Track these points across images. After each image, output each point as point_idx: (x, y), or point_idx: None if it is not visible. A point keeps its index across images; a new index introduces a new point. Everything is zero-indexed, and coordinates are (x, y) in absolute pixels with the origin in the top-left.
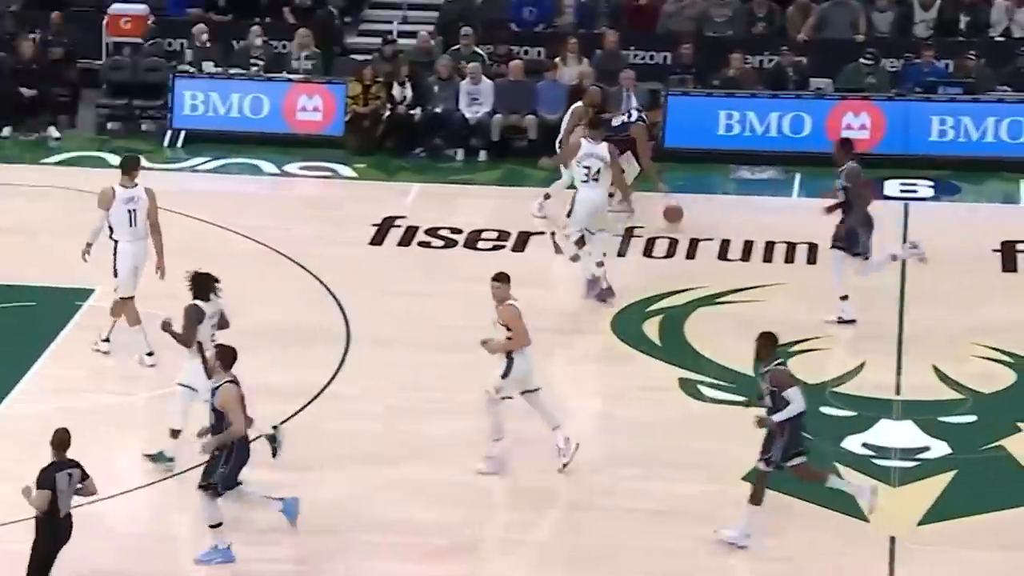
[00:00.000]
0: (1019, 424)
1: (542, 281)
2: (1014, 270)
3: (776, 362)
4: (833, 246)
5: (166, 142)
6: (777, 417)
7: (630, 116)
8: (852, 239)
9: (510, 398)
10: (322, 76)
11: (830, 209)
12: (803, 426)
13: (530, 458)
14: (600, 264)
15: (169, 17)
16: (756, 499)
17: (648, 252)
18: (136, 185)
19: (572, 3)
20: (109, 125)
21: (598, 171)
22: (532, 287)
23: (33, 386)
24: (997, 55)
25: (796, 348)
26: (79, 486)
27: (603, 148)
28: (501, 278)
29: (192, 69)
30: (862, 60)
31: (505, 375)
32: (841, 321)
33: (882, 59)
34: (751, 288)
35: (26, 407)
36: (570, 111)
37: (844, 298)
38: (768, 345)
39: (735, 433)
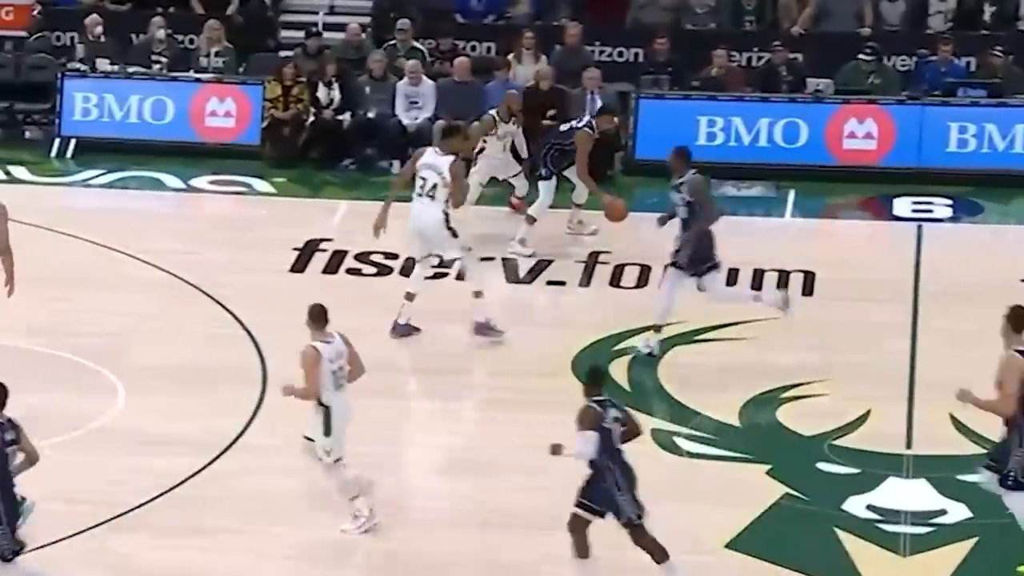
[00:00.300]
0: None
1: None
2: None
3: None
4: (672, 264)
5: (53, 152)
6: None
7: (579, 121)
8: (693, 258)
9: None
10: (235, 76)
11: (663, 221)
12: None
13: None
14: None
15: (58, 7)
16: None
17: (615, 281)
18: None
19: None
20: None
21: (433, 187)
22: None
23: None
24: None
25: (790, 394)
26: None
27: (445, 162)
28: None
29: (84, 67)
30: (861, 57)
31: (327, 432)
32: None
33: (891, 56)
34: (736, 324)
35: None
36: (482, 119)
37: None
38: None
39: (717, 493)
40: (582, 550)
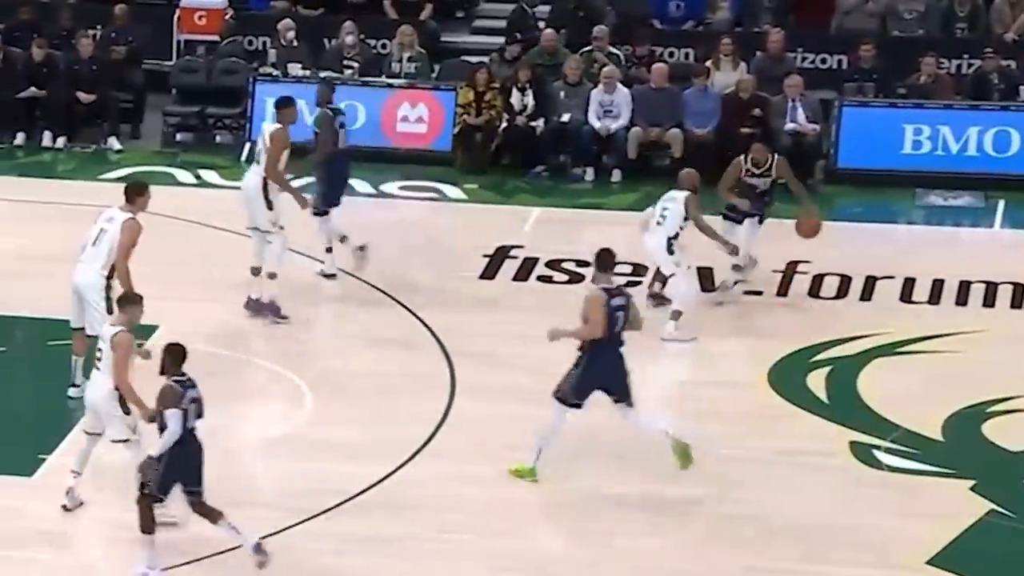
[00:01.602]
0: None
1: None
2: None
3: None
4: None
5: (243, 156)
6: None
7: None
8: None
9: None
10: (428, 81)
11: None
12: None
13: None
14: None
15: (250, 12)
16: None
17: (814, 291)
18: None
19: None
20: (178, 136)
21: (259, 152)
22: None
23: None
24: None
25: (996, 408)
26: None
27: (268, 127)
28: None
29: (276, 72)
30: None
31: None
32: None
33: None
34: (941, 336)
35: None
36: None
37: (328, 250)
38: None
39: (919, 508)
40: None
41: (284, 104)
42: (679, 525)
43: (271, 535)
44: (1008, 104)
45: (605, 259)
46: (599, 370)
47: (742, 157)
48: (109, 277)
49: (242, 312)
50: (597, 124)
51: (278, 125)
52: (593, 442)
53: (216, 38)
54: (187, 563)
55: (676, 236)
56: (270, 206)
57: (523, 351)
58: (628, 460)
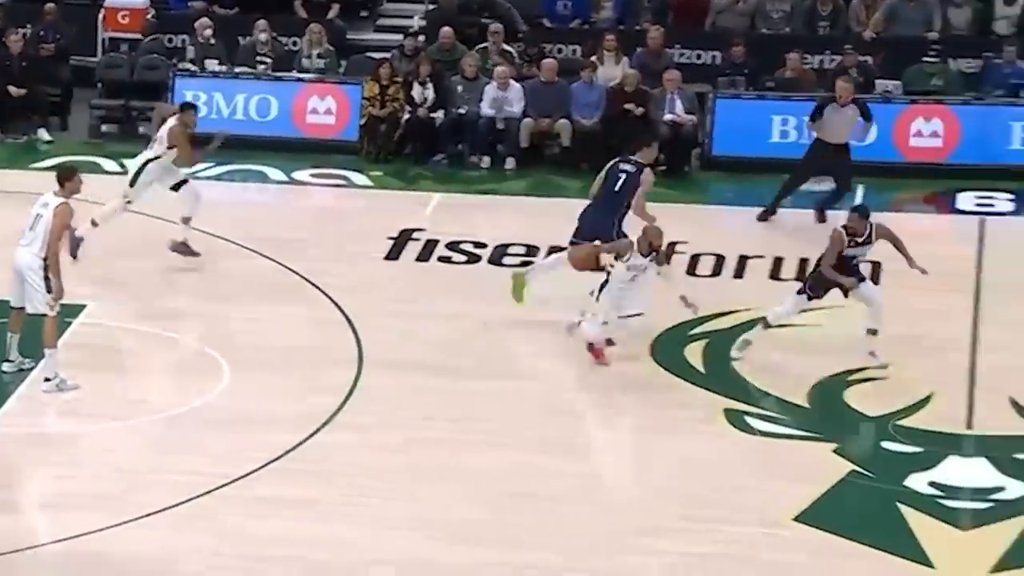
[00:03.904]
0: None
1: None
2: None
3: None
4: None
5: None
6: None
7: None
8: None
9: None
10: (335, 76)
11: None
12: None
13: None
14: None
15: (170, 11)
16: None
17: (692, 270)
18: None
19: None
20: (104, 127)
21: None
22: (562, 309)
23: (20, 407)
24: None
25: (856, 377)
26: None
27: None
28: None
29: (194, 68)
30: (925, 59)
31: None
32: None
33: (957, 58)
34: (808, 310)
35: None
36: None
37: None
38: None
39: (787, 470)
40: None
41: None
42: (577, 489)
43: (191, 499)
44: (865, 97)
45: None
46: None
47: (843, 229)
48: (46, 259)
49: (165, 292)
50: (492, 115)
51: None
52: (507, 412)
53: (138, 36)
54: None
55: None
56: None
57: (426, 327)
58: (534, 428)
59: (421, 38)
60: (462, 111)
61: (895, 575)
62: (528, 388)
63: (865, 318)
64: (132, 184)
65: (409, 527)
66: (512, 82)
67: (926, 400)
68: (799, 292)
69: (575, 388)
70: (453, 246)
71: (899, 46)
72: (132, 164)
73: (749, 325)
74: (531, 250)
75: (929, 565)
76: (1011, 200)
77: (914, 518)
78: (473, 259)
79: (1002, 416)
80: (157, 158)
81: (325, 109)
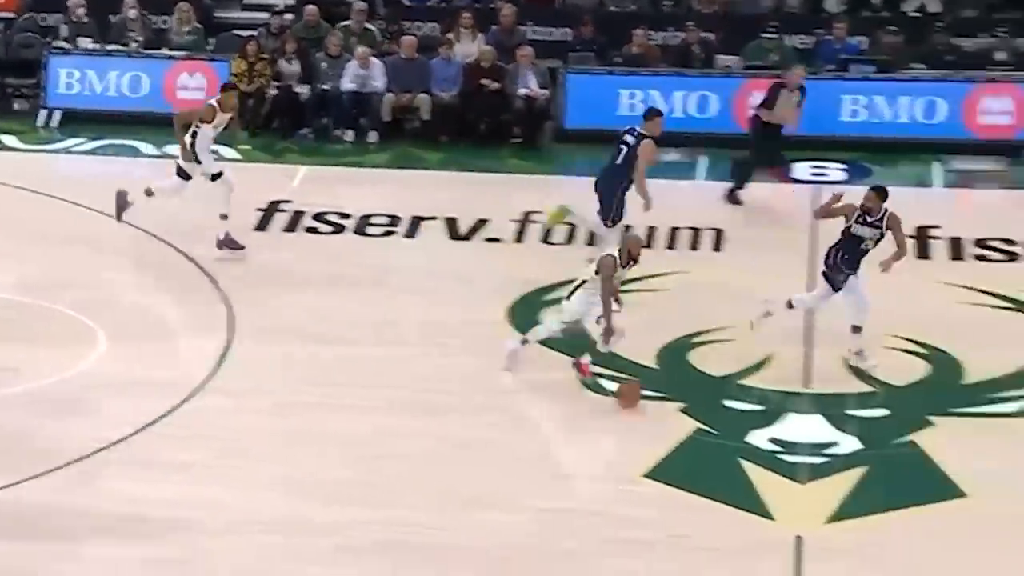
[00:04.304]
0: (930, 418)
1: (432, 272)
2: (927, 257)
3: None
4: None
5: (40, 122)
6: None
7: None
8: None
9: None
10: (204, 53)
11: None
12: None
13: None
14: None
15: None
16: None
17: (546, 238)
18: None
19: None
20: None
21: None
22: (424, 277)
23: None
24: (912, 32)
25: (702, 339)
26: None
27: None
28: None
29: (67, 45)
30: (763, 36)
31: None
32: None
33: (791, 35)
34: (654, 276)
35: None
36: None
37: None
38: None
39: (637, 428)
40: None
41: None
42: (442, 450)
43: (70, 463)
44: (708, 71)
45: None
46: None
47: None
48: None
49: (41, 263)
50: (355, 90)
51: None
52: (375, 377)
53: (12, 15)
54: None
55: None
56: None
57: (294, 296)
58: (402, 392)
59: (287, 16)
60: (326, 87)
61: (739, 527)
62: (396, 354)
63: (849, 314)
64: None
65: (282, 488)
66: (373, 59)
67: (766, 361)
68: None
69: (442, 354)
70: (319, 217)
71: (738, 23)
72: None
73: None
74: (394, 220)
75: (770, 517)
76: (842, 170)
77: (755, 473)
78: (339, 229)
79: (836, 375)
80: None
81: (195, 85)
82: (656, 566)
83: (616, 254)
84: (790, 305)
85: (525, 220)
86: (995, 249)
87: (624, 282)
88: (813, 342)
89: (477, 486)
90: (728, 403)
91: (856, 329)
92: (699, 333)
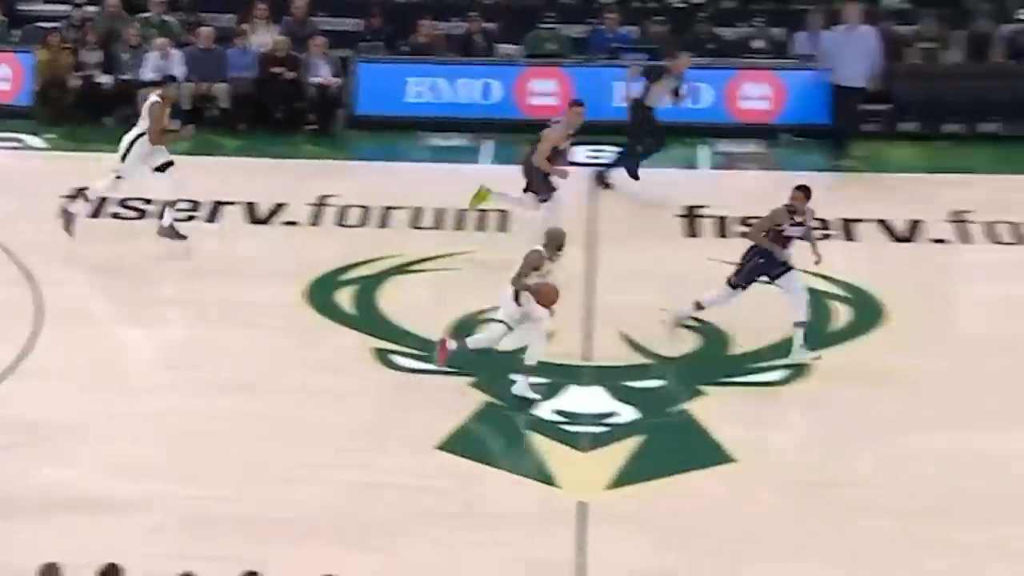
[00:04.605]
0: (701, 388)
1: (233, 255)
2: (695, 235)
3: None
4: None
5: None
6: None
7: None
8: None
9: None
10: (9, 44)
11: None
12: None
13: None
14: None
15: None
16: None
17: (341, 221)
18: None
19: None
20: None
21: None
22: (226, 260)
23: None
24: (677, 21)
25: (489, 316)
26: None
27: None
28: None
29: None
30: (541, 26)
31: None
32: None
33: (568, 25)
34: (443, 256)
35: None
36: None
37: None
38: None
39: (430, 402)
40: None
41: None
42: (246, 427)
43: None
44: (490, 60)
45: None
46: None
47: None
48: None
49: None
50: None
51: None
52: (187, 359)
53: None
54: None
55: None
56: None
57: (100, 280)
58: (211, 373)
59: (89, 8)
60: (127, 77)
61: (527, 495)
62: (201, 335)
63: (790, 310)
64: (123, 159)
65: (90, 467)
66: (172, 51)
67: (550, 335)
68: (730, 284)
69: (245, 335)
70: (123, 203)
71: (518, 13)
72: (124, 140)
73: (394, 271)
74: (195, 205)
75: (556, 485)
76: (617, 153)
77: (541, 442)
78: (141, 214)
79: (615, 349)
80: (143, 134)
81: (1, 76)
82: (454, 535)
83: (542, 248)
84: (699, 306)
85: (321, 204)
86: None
87: (414, 262)
88: (594, 317)
89: (282, 461)
90: (515, 377)
91: (800, 324)
92: (487, 310)
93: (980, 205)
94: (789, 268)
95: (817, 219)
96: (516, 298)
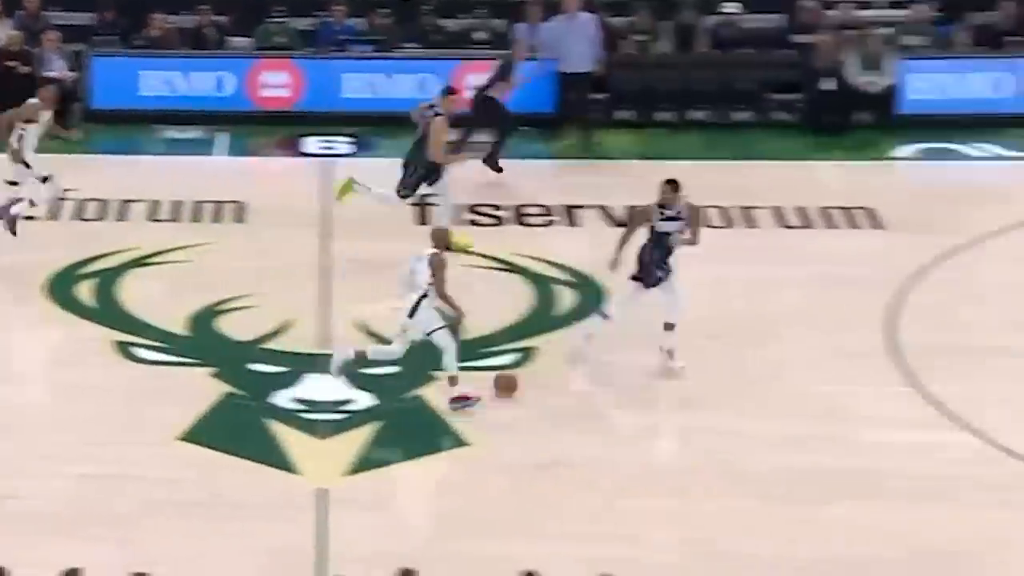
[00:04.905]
0: (432, 373)
1: None
2: (424, 223)
3: None
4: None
5: None
6: None
7: None
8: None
9: None
10: None
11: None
12: None
13: None
14: None
15: None
16: None
17: (79, 215)
18: None
19: None
20: None
21: None
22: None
23: None
24: (402, 13)
25: (228, 306)
26: None
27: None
28: None
29: None
30: (269, 20)
31: None
32: None
33: (297, 18)
34: (182, 248)
35: None
36: None
37: None
38: None
39: (170, 394)
40: None
41: None
42: None
43: None
44: (222, 52)
45: None
46: None
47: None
48: None
49: None
50: None
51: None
52: None
53: None
54: None
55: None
56: None
57: None
58: None
59: None
60: None
61: (269, 483)
62: None
63: (665, 312)
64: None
65: None
66: None
67: (287, 326)
68: (634, 280)
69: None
70: None
71: (248, 6)
72: None
73: (133, 263)
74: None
75: (296, 472)
76: (350, 143)
77: (281, 431)
78: None
79: (351, 336)
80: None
81: None
82: (197, 524)
83: (435, 250)
84: (605, 316)
85: (60, 199)
86: (485, 215)
87: (152, 254)
88: (331, 305)
89: (24, 454)
90: (253, 366)
91: (669, 327)
92: (224, 301)
93: (690, 191)
94: (668, 271)
95: (541, 205)
96: (415, 309)
